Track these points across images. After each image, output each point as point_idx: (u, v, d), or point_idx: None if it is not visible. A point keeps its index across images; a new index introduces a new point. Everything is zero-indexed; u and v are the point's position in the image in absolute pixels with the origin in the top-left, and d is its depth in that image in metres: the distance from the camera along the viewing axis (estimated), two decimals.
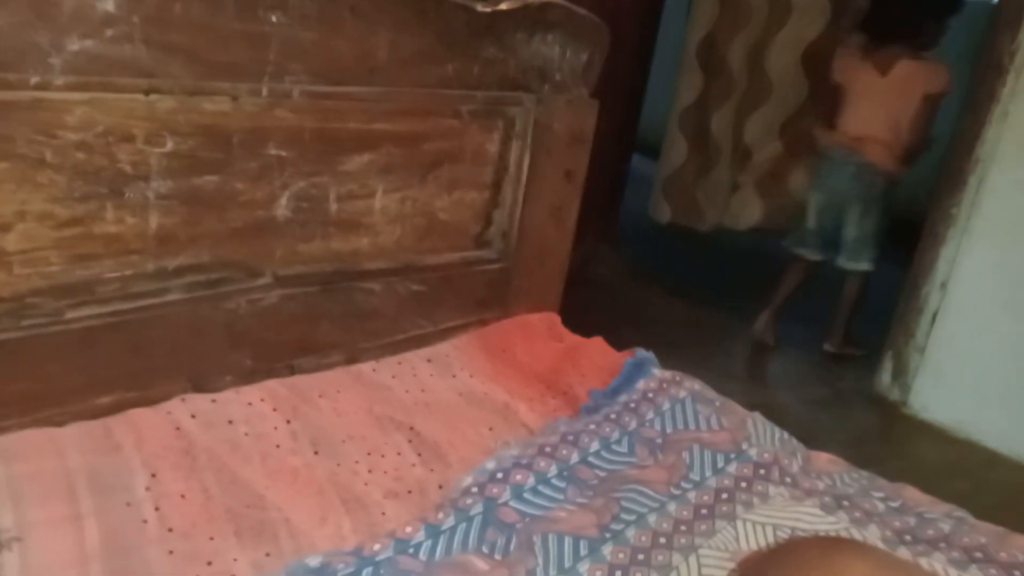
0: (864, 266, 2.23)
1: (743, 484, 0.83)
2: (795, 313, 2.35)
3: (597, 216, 2.30)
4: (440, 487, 0.77)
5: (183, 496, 0.66)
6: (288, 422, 0.77)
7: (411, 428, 0.83)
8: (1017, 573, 0.73)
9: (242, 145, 0.75)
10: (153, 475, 0.67)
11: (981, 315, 2.11)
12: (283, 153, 0.78)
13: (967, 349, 2.13)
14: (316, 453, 0.76)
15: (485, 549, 0.70)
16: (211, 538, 0.64)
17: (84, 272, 0.67)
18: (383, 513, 0.73)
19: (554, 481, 0.80)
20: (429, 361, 0.94)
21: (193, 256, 0.73)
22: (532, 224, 1.02)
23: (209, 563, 0.62)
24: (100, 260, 0.67)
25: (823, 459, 0.89)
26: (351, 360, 0.89)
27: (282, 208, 0.80)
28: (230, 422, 0.74)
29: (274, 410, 0.78)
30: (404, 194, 0.90)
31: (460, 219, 0.96)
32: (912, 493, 0.85)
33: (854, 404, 2.14)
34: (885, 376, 2.23)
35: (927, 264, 2.14)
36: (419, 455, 0.80)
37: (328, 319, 0.86)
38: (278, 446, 0.75)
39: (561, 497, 0.78)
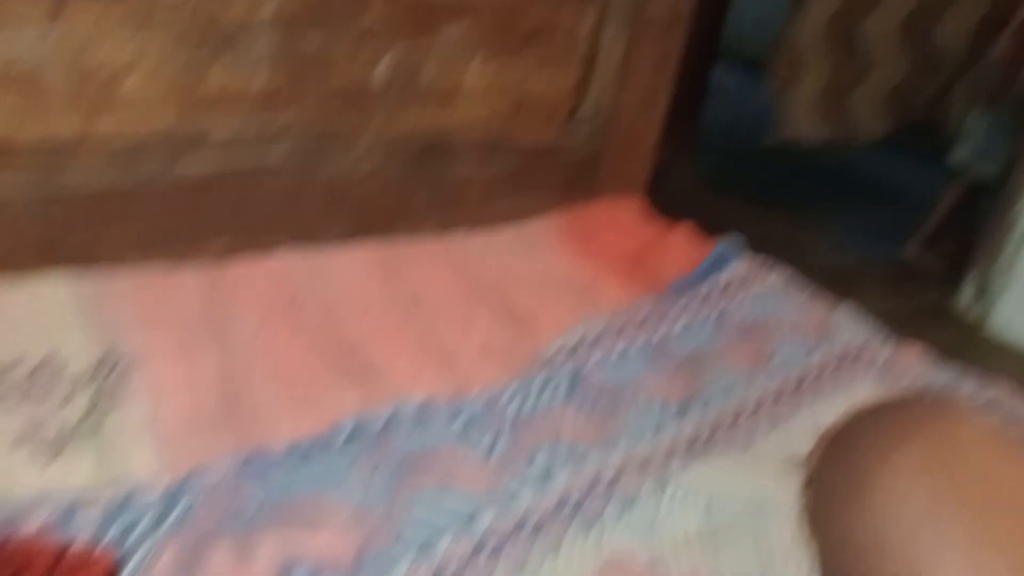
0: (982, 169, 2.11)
1: (829, 370, 0.83)
2: (879, 222, 2.29)
3: (676, 124, 2.24)
4: (528, 351, 0.79)
5: (290, 339, 0.70)
6: (385, 283, 0.80)
7: (500, 298, 0.85)
8: None
9: (343, 7, 0.76)
10: (262, 318, 0.70)
11: None
12: (382, 18, 0.79)
13: None
14: (411, 313, 0.78)
15: (572, 407, 0.72)
16: (317, 378, 0.68)
17: (196, 124, 0.69)
18: (476, 371, 0.75)
19: (638, 355, 0.82)
20: (516, 239, 0.95)
21: (296, 116, 0.75)
22: (624, 107, 1.01)
23: (316, 399, 0.66)
24: (211, 113, 0.70)
25: (912, 352, 0.88)
26: (442, 233, 0.91)
27: (380, 75, 0.81)
28: (331, 277, 0.77)
29: (372, 271, 0.80)
30: (498, 68, 0.89)
31: (552, 98, 0.95)
32: (1004, 386, 0.84)
33: (931, 320, 2.09)
34: (966, 294, 2.17)
35: (1021, 182, 2.04)
36: (507, 323, 0.82)
37: (422, 189, 0.88)
38: (376, 303, 0.78)
39: (645, 370, 0.80)
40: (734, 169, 2.86)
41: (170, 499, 0.54)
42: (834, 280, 0.95)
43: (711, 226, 1.04)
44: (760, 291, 0.94)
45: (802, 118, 2.45)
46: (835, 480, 0.47)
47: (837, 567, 0.46)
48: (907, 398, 0.50)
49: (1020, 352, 2.03)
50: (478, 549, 0.56)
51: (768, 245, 1.00)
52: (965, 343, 2.09)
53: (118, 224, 0.69)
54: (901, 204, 2.27)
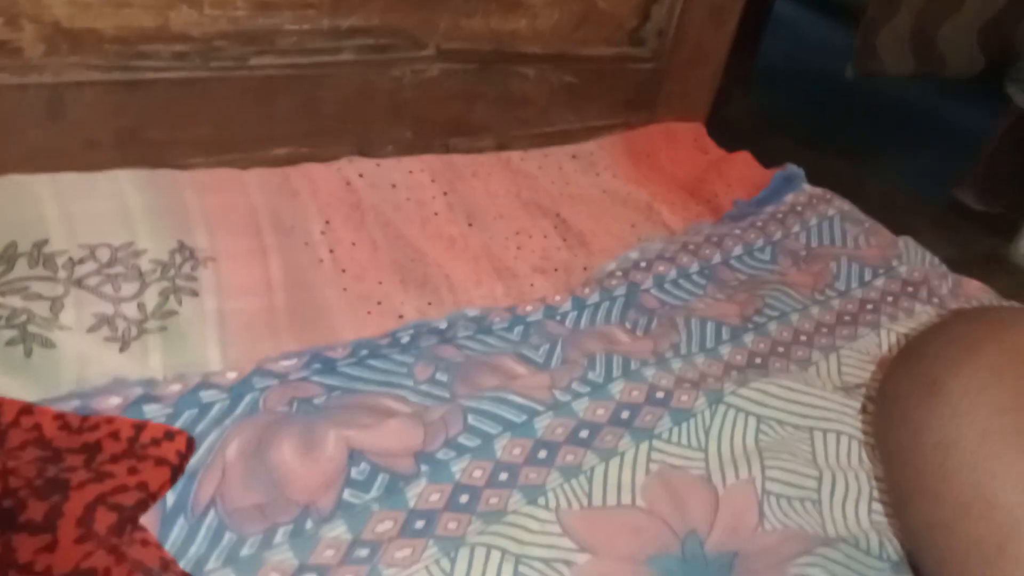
0: None
1: (889, 298, 0.81)
2: (939, 164, 2.21)
3: (734, 56, 2.17)
4: (584, 269, 0.79)
5: (353, 244, 0.71)
6: (445, 194, 0.80)
7: (557, 215, 0.84)
8: None
9: None
10: (327, 222, 0.71)
11: None
12: None
13: None
14: (470, 225, 0.79)
15: (628, 324, 0.73)
16: (379, 282, 0.68)
17: (266, 21, 0.68)
18: (531, 284, 0.76)
19: (695, 277, 0.81)
20: (574, 157, 0.94)
21: (364, 18, 0.74)
22: (690, 24, 0.98)
23: (379, 303, 0.67)
24: (281, 11, 0.69)
25: (974, 285, 0.86)
26: (501, 147, 0.90)
27: None
28: (393, 186, 0.77)
29: (432, 181, 0.80)
30: None
31: (618, 10, 0.93)
32: None
33: (985, 269, 2.03)
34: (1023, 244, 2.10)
35: None
36: (564, 240, 0.82)
37: (483, 101, 0.87)
38: (436, 214, 0.78)
39: (701, 292, 0.80)
40: (790, 106, 2.77)
41: (239, 390, 0.56)
42: (887, 223, 0.92)
43: (765, 162, 1.01)
44: (820, 220, 0.92)
45: (890, 50, 2.32)
46: (907, 386, 0.47)
47: (905, 471, 0.45)
48: (983, 308, 0.48)
49: None
50: (533, 452, 0.57)
51: (820, 184, 0.97)
52: (1021, 293, 2.03)
53: (189, 123, 0.69)
54: (964, 146, 2.18)
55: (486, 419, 0.57)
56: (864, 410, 0.66)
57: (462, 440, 0.56)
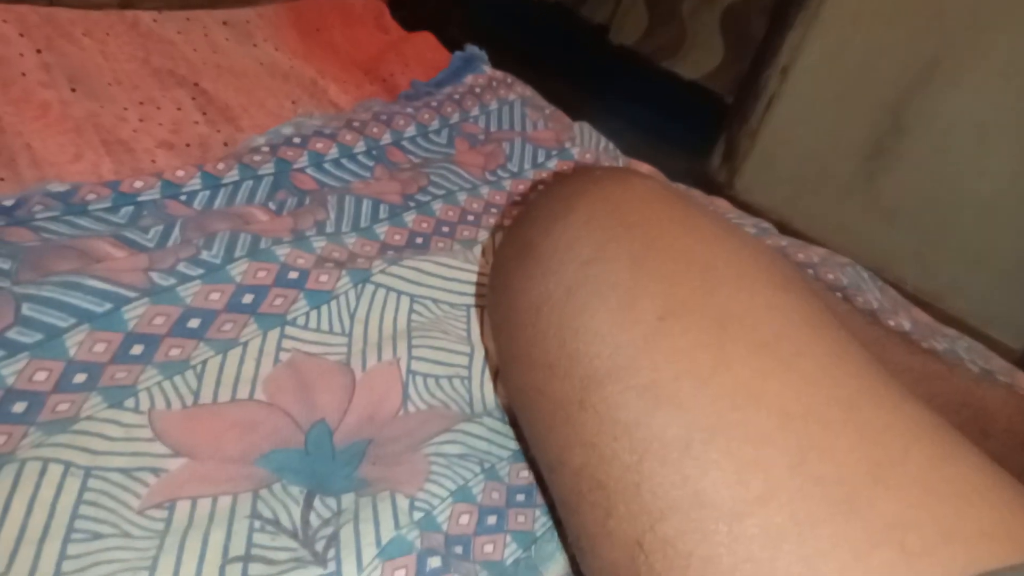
0: None
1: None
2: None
3: None
4: (226, 145, 0.68)
5: None
6: (39, 52, 0.64)
7: (196, 85, 0.72)
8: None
9: None
10: None
11: (815, 105, 2.17)
12: None
13: (796, 136, 2.21)
14: (73, 91, 0.64)
15: (272, 206, 0.63)
16: None
17: None
18: (153, 160, 0.63)
19: (360, 157, 0.73)
20: (225, 23, 0.81)
21: None
22: None
23: None
24: None
25: (644, 167, 0.87)
26: (126, 5, 0.75)
27: None
28: None
29: (21, 35, 0.64)
30: None
31: None
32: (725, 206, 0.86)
33: (682, 183, 2.19)
34: (716, 158, 2.29)
35: (772, 49, 2.15)
36: (204, 113, 0.70)
37: None
38: (24, 74, 0.62)
39: (367, 174, 0.72)
40: (507, 27, 2.77)
41: None
42: None
43: None
44: (501, 104, 0.87)
45: None
46: (508, 252, 0.42)
47: (505, 338, 0.42)
48: (580, 167, 0.45)
49: (758, 213, 2.19)
50: (124, 347, 0.46)
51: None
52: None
53: None
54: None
55: (50, 308, 0.45)
56: None
57: (13, 336, 0.43)
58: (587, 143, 0.85)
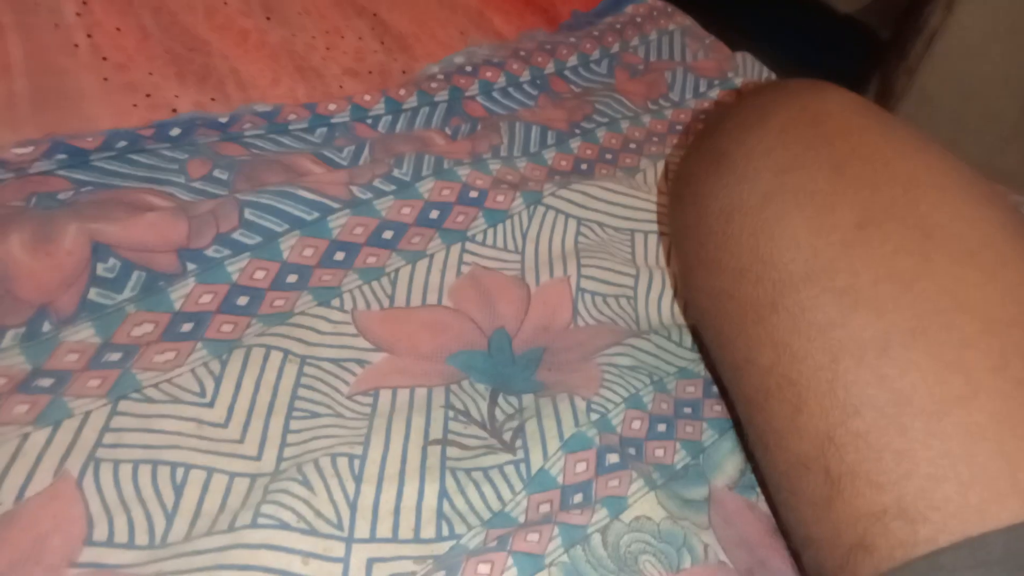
0: None
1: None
2: None
3: None
4: (404, 73, 0.72)
5: (118, 29, 0.60)
6: None
7: (375, 15, 0.75)
8: None
9: None
10: (84, 2, 0.60)
11: (980, 42, 2.01)
12: None
13: (958, 75, 2.05)
14: (268, 19, 0.69)
15: (448, 131, 0.66)
16: (150, 73, 0.59)
17: None
18: (340, 86, 0.67)
19: (526, 86, 0.75)
20: None
21: None
22: None
23: (148, 95, 0.57)
24: None
25: None
26: None
27: None
28: None
29: None
30: None
31: None
32: None
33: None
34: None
35: None
36: (382, 43, 0.74)
37: None
38: (226, 3, 0.67)
39: (532, 103, 0.74)
40: None
41: None
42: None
43: None
44: (660, 34, 0.87)
45: None
46: (696, 160, 0.43)
47: (690, 244, 0.43)
48: (776, 81, 0.45)
49: None
50: (329, 253, 0.51)
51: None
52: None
53: None
54: None
55: (268, 214, 0.50)
56: None
57: (237, 237, 0.49)
58: (750, 73, 0.84)
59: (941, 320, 0.30)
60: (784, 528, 0.42)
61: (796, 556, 0.42)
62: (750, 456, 0.48)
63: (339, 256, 0.51)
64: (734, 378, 0.40)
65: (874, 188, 0.34)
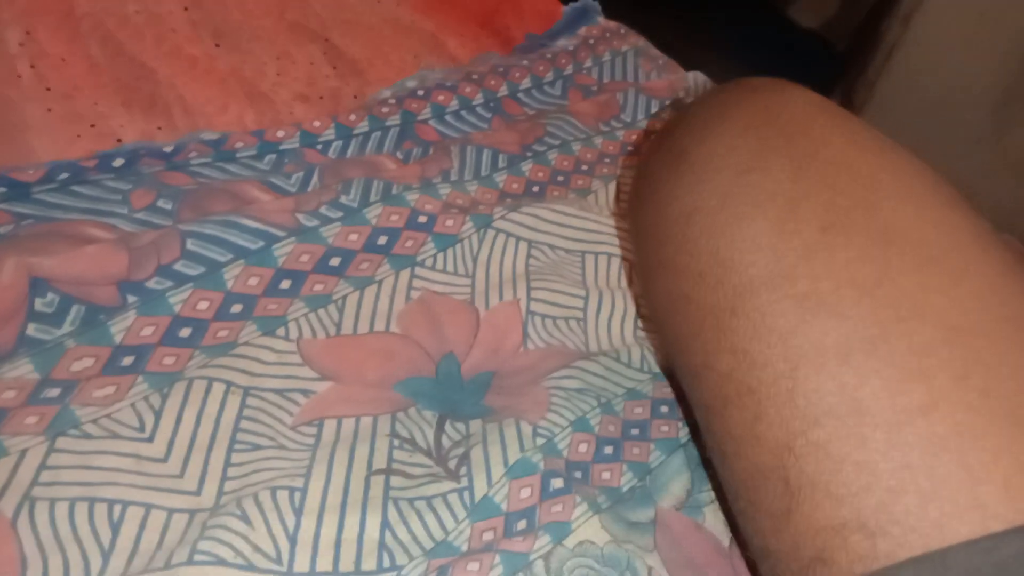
0: None
1: None
2: None
3: None
4: (355, 98, 0.72)
5: (63, 59, 0.59)
6: (186, 9, 0.69)
7: (327, 40, 0.76)
8: None
9: None
10: (27, 32, 0.59)
11: (938, 54, 2.05)
12: None
13: (917, 88, 2.09)
14: (218, 46, 0.69)
15: (399, 155, 0.66)
16: (95, 103, 0.58)
17: None
18: (291, 112, 0.67)
19: (479, 109, 0.76)
20: None
21: None
22: None
23: (93, 125, 0.57)
24: None
25: None
26: None
27: None
28: None
29: None
30: None
31: None
32: None
33: None
34: None
35: None
36: (334, 68, 0.74)
37: None
38: (174, 30, 0.67)
39: (485, 126, 0.74)
40: None
41: None
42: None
43: None
44: (614, 55, 0.88)
45: None
46: (657, 161, 0.43)
47: (650, 246, 0.42)
48: (738, 80, 0.44)
49: None
50: (275, 281, 0.51)
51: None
52: None
53: None
54: None
55: (211, 244, 0.50)
56: None
57: (180, 268, 0.49)
58: (702, 92, 0.85)
59: (902, 327, 0.30)
60: (741, 539, 0.42)
61: (752, 566, 0.42)
62: (707, 464, 0.48)
63: (285, 284, 0.51)
64: (692, 384, 0.40)
65: (836, 191, 0.34)
